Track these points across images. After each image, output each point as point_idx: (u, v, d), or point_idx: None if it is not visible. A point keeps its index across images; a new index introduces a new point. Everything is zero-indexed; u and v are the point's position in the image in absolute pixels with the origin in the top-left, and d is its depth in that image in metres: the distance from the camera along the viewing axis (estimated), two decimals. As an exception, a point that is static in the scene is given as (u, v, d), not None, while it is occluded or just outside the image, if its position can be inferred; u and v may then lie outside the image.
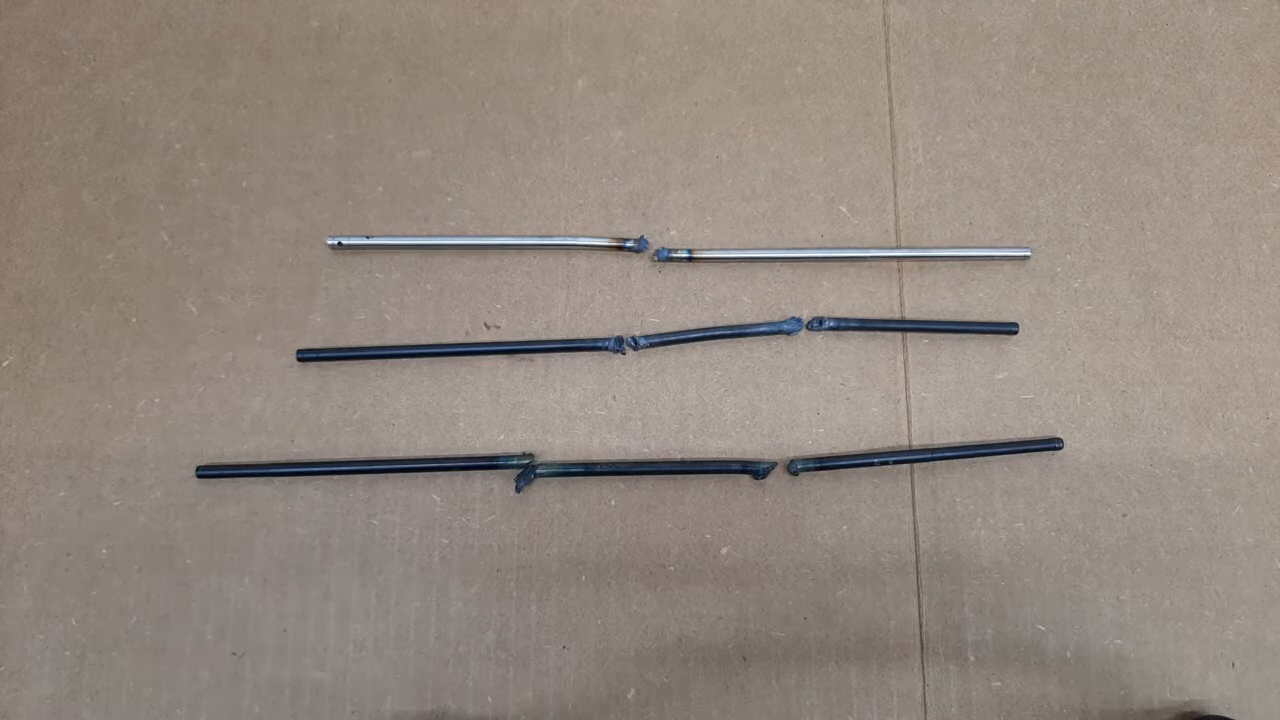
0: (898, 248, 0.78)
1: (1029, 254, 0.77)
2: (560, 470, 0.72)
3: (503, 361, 0.76)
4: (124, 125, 0.80)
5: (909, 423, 0.75)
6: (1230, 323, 0.77)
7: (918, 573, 0.72)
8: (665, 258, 0.76)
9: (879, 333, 0.76)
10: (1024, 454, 0.74)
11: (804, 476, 0.73)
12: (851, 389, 0.75)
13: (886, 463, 0.72)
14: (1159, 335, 0.76)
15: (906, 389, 0.75)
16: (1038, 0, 0.84)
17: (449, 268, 0.77)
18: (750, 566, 0.72)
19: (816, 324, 0.75)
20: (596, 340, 0.75)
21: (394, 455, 0.73)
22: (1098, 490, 0.74)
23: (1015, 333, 0.75)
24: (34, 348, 0.75)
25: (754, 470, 0.72)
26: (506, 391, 0.75)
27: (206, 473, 0.72)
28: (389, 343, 0.76)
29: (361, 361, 0.75)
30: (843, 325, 0.75)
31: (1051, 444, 0.73)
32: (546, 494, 0.73)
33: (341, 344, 0.75)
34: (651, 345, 0.75)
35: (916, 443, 0.74)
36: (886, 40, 0.83)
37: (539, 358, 0.76)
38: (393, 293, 0.77)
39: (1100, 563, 0.72)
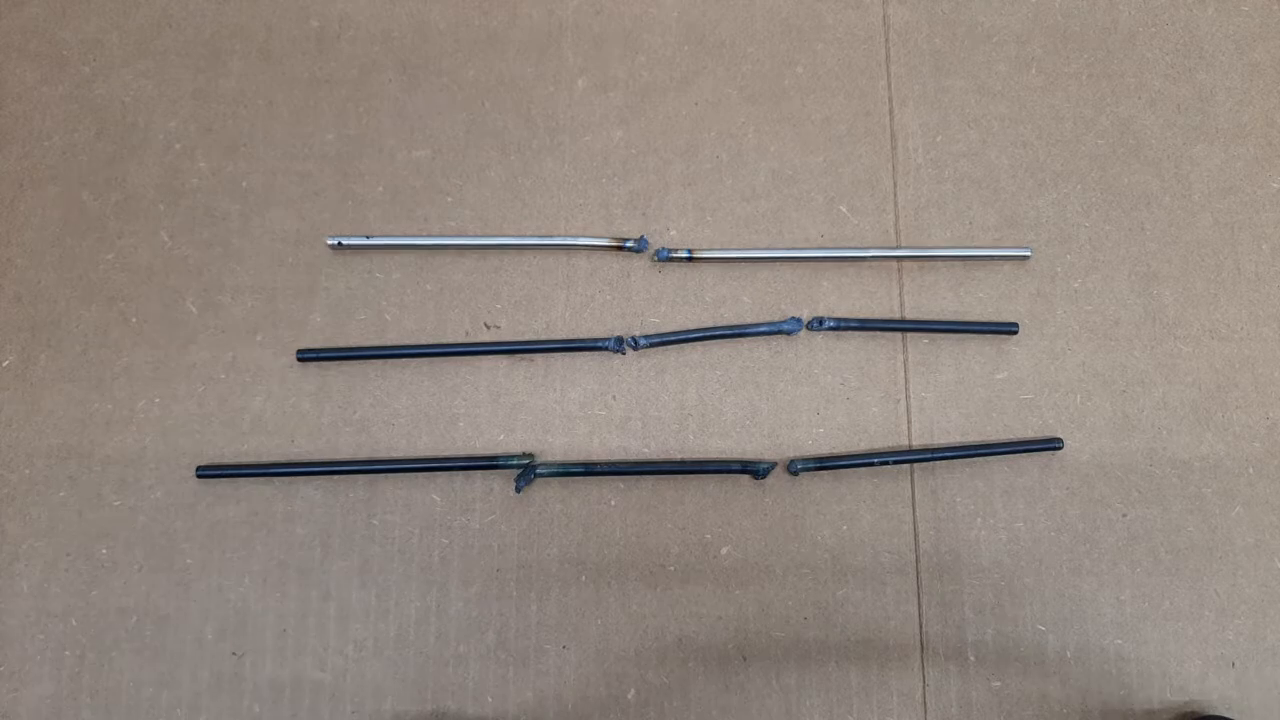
0: (898, 248, 0.78)
1: (1029, 254, 0.77)
2: (560, 470, 0.72)
3: (503, 361, 0.76)
4: (124, 125, 0.80)
5: (909, 423, 0.75)
6: (1230, 323, 0.77)
7: (918, 573, 0.72)
8: (665, 258, 0.76)
9: (879, 333, 0.76)
10: (1024, 454, 0.74)
11: (804, 476, 0.73)
12: (851, 389, 0.75)
13: (886, 463, 0.72)
14: (1159, 335, 0.76)
15: (906, 389, 0.75)
16: (1038, 0, 0.84)
17: (449, 268, 0.77)
18: (750, 566, 0.72)
19: (816, 324, 0.75)
20: (596, 340, 0.75)
21: (394, 455, 0.73)
22: (1098, 490, 0.74)
23: (1015, 333, 0.75)
24: (34, 348, 0.75)
25: (754, 470, 0.72)
26: (506, 391, 0.75)
27: (206, 473, 0.72)
28: (389, 343, 0.76)
29: (361, 361, 0.75)
30: (843, 325, 0.75)
31: (1051, 444, 0.73)
32: (546, 494, 0.73)
33: (341, 344, 0.75)
34: (651, 345, 0.75)
35: (916, 443, 0.74)
36: (886, 40, 0.83)
37: (539, 358, 0.76)
38: (393, 293, 0.77)
39: (1100, 563, 0.72)
